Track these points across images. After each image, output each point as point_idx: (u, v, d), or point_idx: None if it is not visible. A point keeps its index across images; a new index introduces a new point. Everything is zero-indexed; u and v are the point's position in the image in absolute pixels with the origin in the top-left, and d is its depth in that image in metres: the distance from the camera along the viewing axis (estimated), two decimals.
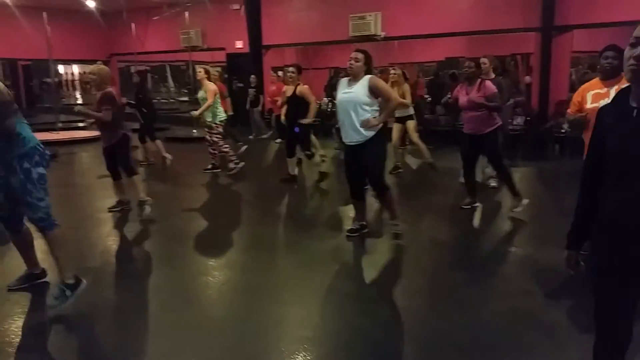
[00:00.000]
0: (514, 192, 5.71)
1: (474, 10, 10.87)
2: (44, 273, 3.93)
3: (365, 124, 4.47)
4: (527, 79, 11.39)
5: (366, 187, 5.13)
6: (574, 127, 4.34)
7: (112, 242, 5.15)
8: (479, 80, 5.56)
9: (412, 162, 8.43)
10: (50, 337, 3.25)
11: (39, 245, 3.83)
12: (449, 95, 6.10)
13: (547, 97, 10.30)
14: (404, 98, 7.64)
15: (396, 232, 4.91)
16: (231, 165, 8.11)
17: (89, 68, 5.91)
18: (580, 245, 2.21)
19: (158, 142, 9.11)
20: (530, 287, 3.91)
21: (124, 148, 5.79)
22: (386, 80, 7.08)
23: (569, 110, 4.18)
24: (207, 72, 8.03)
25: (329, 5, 12.98)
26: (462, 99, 5.59)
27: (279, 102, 7.50)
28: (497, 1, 10.55)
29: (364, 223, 5.01)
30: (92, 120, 5.81)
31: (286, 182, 7.43)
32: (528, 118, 10.34)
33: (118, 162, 5.85)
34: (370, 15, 11.95)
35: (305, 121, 7.00)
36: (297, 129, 7.29)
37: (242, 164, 8.16)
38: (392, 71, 7.80)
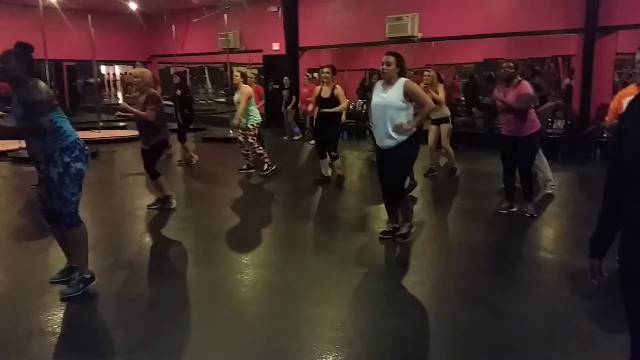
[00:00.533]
0: (531, 197, 5.79)
1: (513, 10, 10.68)
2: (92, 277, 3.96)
3: (398, 128, 4.45)
4: (567, 81, 11.10)
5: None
6: (612, 134, 4.23)
7: (148, 238, 5.27)
8: (517, 80, 5.48)
9: (449, 165, 8.30)
10: (87, 328, 3.35)
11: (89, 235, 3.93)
12: (487, 99, 6.02)
13: (589, 101, 10.03)
14: (435, 97, 7.61)
15: (403, 233, 4.89)
16: (265, 167, 8.22)
17: (131, 71, 6.03)
18: (603, 253, 2.15)
19: (188, 144, 9.29)
20: (566, 294, 3.82)
21: (156, 152, 5.91)
22: (419, 82, 7.04)
23: (606, 118, 4.11)
24: (243, 75, 8.14)
25: (366, 7, 12.97)
26: (502, 99, 5.52)
27: (311, 103, 7.52)
28: (538, 2, 10.33)
29: (397, 225, 4.98)
30: (132, 118, 5.90)
31: (320, 183, 7.47)
32: (568, 122, 10.08)
33: (144, 163, 5.95)
34: (407, 17, 11.89)
35: (335, 109, 7.03)
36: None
37: (274, 166, 8.25)
38: (426, 73, 7.74)
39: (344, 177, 7.60)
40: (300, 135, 12.92)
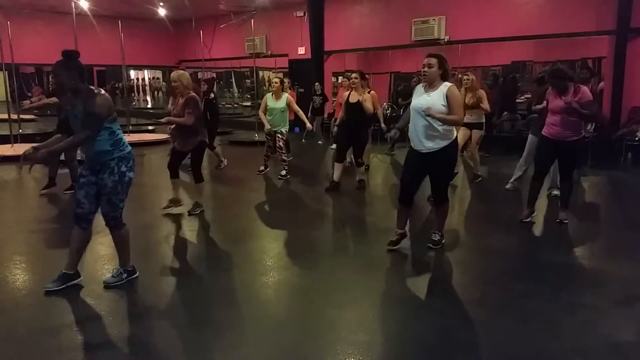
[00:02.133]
0: (567, 204, 5.66)
1: (542, 12, 10.53)
2: (78, 274, 4.01)
3: (427, 111, 4.32)
4: (601, 85, 10.85)
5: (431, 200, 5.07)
6: None
7: (175, 241, 5.35)
8: (573, 85, 5.36)
9: (481, 170, 8.21)
10: (113, 328, 3.41)
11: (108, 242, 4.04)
12: (541, 105, 5.85)
13: (620, 104, 9.81)
14: (481, 104, 7.58)
15: (434, 239, 4.83)
16: (282, 172, 8.27)
17: (171, 75, 6.06)
18: None
19: (213, 151, 9.40)
20: (596, 301, 3.74)
21: (199, 154, 5.99)
22: (459, 87, 7.00)
23: None
24: (282, 82, 8.23)
25: (392, 10, 12.95)
26: (555, 102, 5.41)
27: (337, 111, 7.56)
28: (568, 3, 10.17)
29: (404, 232, 4.86)
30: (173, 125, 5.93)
31: (331, 191, 7.26)
32: (599, 125, 9.88)
33: (192, 166, 6.03)
34: (434, 19, 11.84)
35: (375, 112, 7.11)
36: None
37: (289, 176, 8.29)
38: (466, 77, 7.69)
39: (365, 182, 7.56)
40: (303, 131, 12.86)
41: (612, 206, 6.88)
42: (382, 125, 8.14)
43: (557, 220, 5.63)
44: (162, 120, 5.85)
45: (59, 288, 3.85)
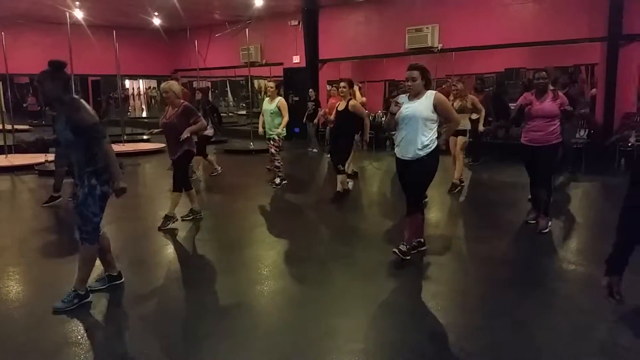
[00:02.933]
0: (546, 211, 5.59)
1: (535, 19, 10.62)
2: (120, 275, 4.16)
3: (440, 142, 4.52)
4: (593, 91, 10.93)
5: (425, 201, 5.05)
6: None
7: (171, 249, 5.34)
8: (551, 89, 5.41)
9: (472, 176, 8.28)
10: (110, 338, 3.40)
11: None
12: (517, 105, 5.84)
13: (613, 110, 9.88)
14: (475, 109, 7.70)
15: (401, 249, 4.65)
16: (277, 180, 8.28)
17: (161, 85, 6.07)
18: (621, 271, 2.04)
19: (206, 159, 9.40)
20: (591, 307, 3.75)
21: (184, 163, 5.98)
22: (447, 94, 7.04)
23: None
24: (277, 87, 8.24)
25: (386, 19, 13.04)
26: (534, 107, 5.44)
27: (331, 116, 7.55)
28: (560, 10, 10.25)
29: (419, 242, 4.86)
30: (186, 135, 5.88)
31: (337, 200, 7.27)
32: (592, 131, 9.94)
33: (173, 174, 5.97)
34: (427, 28, 11.92)
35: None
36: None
37: (285, 182, 8.30)
38: (454, 85, 7.79)
39: (349, 191, 7.54)
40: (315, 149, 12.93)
41: (604, 212, 6.91)
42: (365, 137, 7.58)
43: (538, 231, 5.55)
44: (183, 135, 5.62)
45: (102, 287, 4.04)
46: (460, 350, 3.21)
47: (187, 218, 6.16)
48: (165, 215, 5.95)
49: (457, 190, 7.74)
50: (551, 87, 5.55)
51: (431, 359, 3.11)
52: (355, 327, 3.49)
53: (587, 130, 9.97)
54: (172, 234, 5.80)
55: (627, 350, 3.16)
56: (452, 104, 7.54)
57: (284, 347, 3.25)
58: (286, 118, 7.93)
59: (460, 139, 7.76)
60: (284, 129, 8.14)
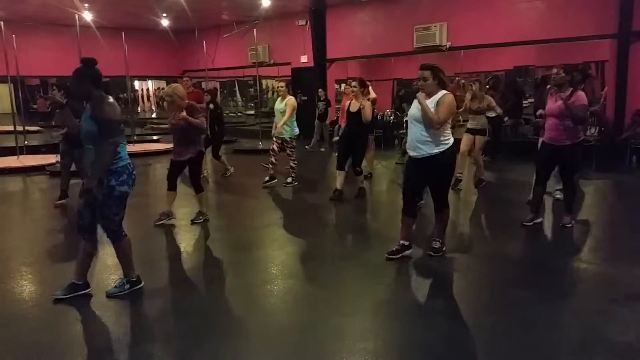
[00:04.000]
0: (570, 208, 5.68)
1: (543, 17, 10.55)
2: (87, 285, 4.04)
3: (418, 96, 4.42)
4: (605, 90, 10.82)
5: (421, 203, 5.04)
6: None
7: (180, 250, 5.36)
8: (572, 88, 5.37)
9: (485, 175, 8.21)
10: (119, 337, 3.42)
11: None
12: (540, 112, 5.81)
13: (624, 107, 9.79)
14: (492, 109, 7.72)
15: (435, 247, 4.80)
16: (289, 179, 8.31)
17: (165, 90, 6.12)
18: None
19: (219, 160, 9.44)
20: (603, 306, 3.72)
21: (197, 164, 6.02)
22: (454, 91, 7.00)
23: None
24: (287, 86, 8.26)
25: (393, 18, 13.00)
26: (551, 105, 5.43)
27: (339, 116, 7.54)
28: (569, 7, 10.18)
29: (407, 243, 4.81)
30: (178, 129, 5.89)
31: (335, 199, 7.22)
32: (602, 128, 9.86)
33: (190, 178, 6.06)
34: (435, 26, 11.88)
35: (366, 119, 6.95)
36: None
37: (296, 183, 8.31)
38: (470, 86, 7.77)
39: (365, 191, 7.54)
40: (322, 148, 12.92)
41: (616, 209, 6.86)
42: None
43: (561, 225, 5.63)
44: (180, 117, 5.61)
45: (66, 296, 3.88)
46: (470, 350, 3.20)
47: (198, 221, 6.17)
48: (162, 212, 6.12)
49: (482, 184, 7.85)
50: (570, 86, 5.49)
51: (441, 358, 3.10)
52: (364, 327, 3.49)
53: (597, 127, 9.88)
54: (181, 234, 5.83)
55: (637, 350, 3.14)
56: (469, 105, 7.56)
57: (293, 345, 3.26)
58: (287, 116, 7.88)
59: (479, 139, 7.73)
60: (296, 127, 8.16)
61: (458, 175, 7.80)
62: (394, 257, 4.73)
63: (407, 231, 4.81)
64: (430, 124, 4.39)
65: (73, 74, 3.75)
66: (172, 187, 6.09)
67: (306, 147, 12.73)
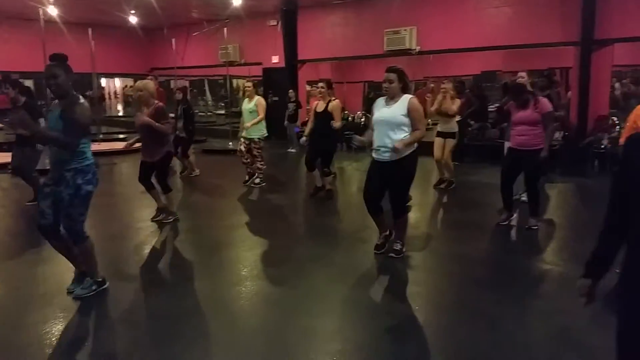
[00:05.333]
0: (536, 212, 5.82)
1: (510, 23, 10.78)
2: (104, 281, 4.07)
3: (396, 149, 4.37)
4: (569, 94, 11.14)
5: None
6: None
7: (148, 250, 5.27)
8: (533, 97, 5.52)
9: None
10: (85, 340, 3.34)
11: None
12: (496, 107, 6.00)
13: (587, 112, 10.08)
14: (451, 108, 7.76)
15: (396, 249, 4.85)
16: (257, 180, 8.29)
17: (135, 84, 6.02)
18: (599, 277, 2.03)
19: (188, 160, 9.35)
20: (566, 306, 3.81)
21: (165, 165, 5.93)
22: (423, 96, 7.08)
23: (621, 140, 4.09)
24: (255, 86, 8.22)
25: (364, 21, 13.09)
26: (517, 114, 5.56)
27: (307, 122, 7.54)
28: (535, 14, 10.43)
29: (387, 233, 4.99)
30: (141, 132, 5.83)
31: (315, 195, 7.41)
32: (566, 133, 10.12)
33: (157, 178, 6.00)
34: (405, 30, 12.00)
35: (336, 125, 7.00)
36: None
37: (264, 184, 8.30)
38: (443, 85, 7.86)
39: (333, 192, 7.58)
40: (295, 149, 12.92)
41: (580, 212, 7.05)
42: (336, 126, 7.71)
43: (527, 227, 5.76)
44: (142, 120, 5.59)
45: (90, 293, 3.91)
46: (436, 350, 3.24)
47: (167, 221, 6.08)
48: (158, 207, 6.13)
49: (452, 186, 8.00)
50: (531, 93, 5.65)
51: (408, 358, 3.13)
52: (333, 328, 3.50)
53: (561, 132, 10.15)
54: (148, 234, 5.73)
55: (602, 350, 3.22)
56: (440, 104, 7.67)
57: (261, 347, 3.24)
58: (261, 116, 7.87)
59: (449, 142, 7.85)
60: (265, 128, 8.12)
61: (442, 176, 8.02)
62: (380, 251, 4.89)
63: (383, 224, 4.96)
64: (420, 138, 4.53)
65: (58, 69, 3.60)
66: (148, 187, 6.02)
67: (289, 150, 12.70)
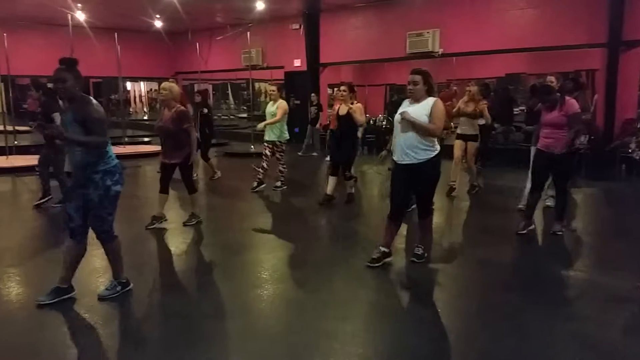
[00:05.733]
0: (562, 216, 5.72)
1: (536, 25, 10.64)
2: (71, 288, 3.96)
3: (404, 115, 4.39)
4: (596, 97, 10.93)
5: (408, 210, 5.07)
6: None
7: (170, 252, 5.34)
8: (561, 99, 5.44)
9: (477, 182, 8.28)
10: (107, 339, 3.40)
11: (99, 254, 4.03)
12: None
13: (614, 115, 9.89)
14: (481, 114, 7.66)
15: (417, 253, 4.78)
16: (278, 183, 8.32)
17: (162, 84, 6.13)
18: None
19: (208, 163, 9.43)
20: (590, 313, 3.75)
21: (187, 167, 6.00)
22: (447, 99, 7.00)
23: None
24: (279, 90, 8.26)
25: (386, 23, 13.06)
26: (546, 116, 5.49)
27: (330, 120, 7.52)
28: (560, 16, 10.28)
29: (387, 250, 4.75)
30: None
31: (324, 203, 7.19)
32: (592, 137, 9.93)
33: (182, 179, 6.05)
34: (428, 32, 11.94)
35: (360, 121, 7.01)
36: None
37: (285, 187, 8.32)
38: (468, 87, 7.77)
39: (354, 196, 7.54)
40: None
41: (606, 217, 6.92)
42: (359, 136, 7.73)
43: (551, 232, 5.67)
44: (192, 159, 5.87)
45: (51, 302, 3.81)
46: (457, 355, 3.21)
47: (190, 223, 6.15)
48: (153, 215, 6.08)
49: (474, 191, 7.88)
50: (559, 95, 5.55)
51: None
52: (353, 331, 3.49)
53: (587, 136, 9.95)
54: (170, 237, 5.81)
55: (626, 357, 3.16)
56: (464, 108, 7.57)
57: (281, 349, 3.25)
58: (277, 118, 7.86)
59: (471, 145, 7.76)
60: (287, 132, 8.14)
61: (451, 183, 7.84)
62: (375, 265, 4.67)
63: (390, 238, 4.76)
64: (431, 135, 4.44)
65: (66, 72, 3.65)
66: (163, 190, 6.07)
67: (299, 153, 12.74)
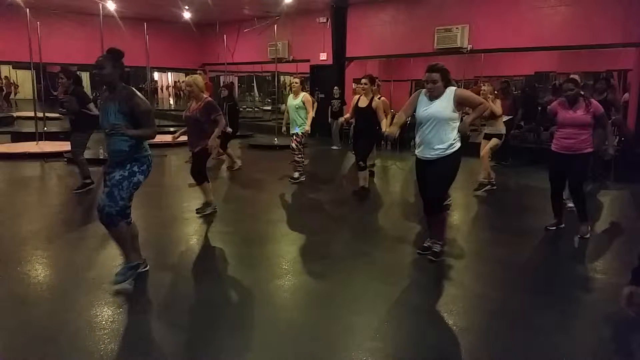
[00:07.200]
0: (585, 217, 5.56)
1: (568, 23, 10.42)
2: (145, 263, 4.25)
3: (462, 128, 4.46)
4: (626, 96, 10.69)
5: (446, 203, 5.03)
6: None
7: (193, 241, 5.40)
8: (584, 98, 5.32)
9: (498, 179, 8.16)
10: (131, 326, 3.46)
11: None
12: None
13: None
14: (493, 115, 7.55)
15: (435, 250, 4.76)
16: (296, 174, 8.32)
17: (186, 79, 6.21)
18: None
19: (226, 152, 9.51)
20: (613, 316, 3.67)
21: (204, 157, 6.06)
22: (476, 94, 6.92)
23: None
24: (302, 83, 8.27)
25: (414, 18, 12.95)
26: (565, 115, 5.37)
27: (348, 113, 7.50)
28: (593, 14, 10.05)
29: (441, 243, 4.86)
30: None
31: (358, 194, 7.38)
32: (622, 138, 9.71)
33: (192, 167, 6.15)
34: (457, 28, 11.80)
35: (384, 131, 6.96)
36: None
37: (304, 178, 8.34)
38: (483, 87, 7.70)
39: (369, 190, 7.52)
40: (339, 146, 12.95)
41: (634, 221, 6.76)
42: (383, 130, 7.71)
43: (578, 236, 5.54)
44: (210, 143, 5.88)
45: (128, 279, 3.96)
46: (477, 354, 3.18)
47: (204, 213, 6.20)
48: (205, 202, 6.23)
49: (484, 189, 7.73)
50: (582, 94, 5.43)
51: None
52: (373, 326, 3.49)
53: (617, 137, 9.73)
54: (194, 225, 5.87)
55: None
56: None
57: (302, 341, 3.27)
58: (311, 113, 7.94)
59: (494, 140, 7.68)
60: (305, 124, 8.13)
61: (482, 180, 7.78)
62: (425, 253, 4.82)
63: (435, 230, 4.85)
64: (485, 109, 4.65)
65: (105, 60, 3.76)
66: (200, 181, 6.16)
67: (333, 147, 12.76)
